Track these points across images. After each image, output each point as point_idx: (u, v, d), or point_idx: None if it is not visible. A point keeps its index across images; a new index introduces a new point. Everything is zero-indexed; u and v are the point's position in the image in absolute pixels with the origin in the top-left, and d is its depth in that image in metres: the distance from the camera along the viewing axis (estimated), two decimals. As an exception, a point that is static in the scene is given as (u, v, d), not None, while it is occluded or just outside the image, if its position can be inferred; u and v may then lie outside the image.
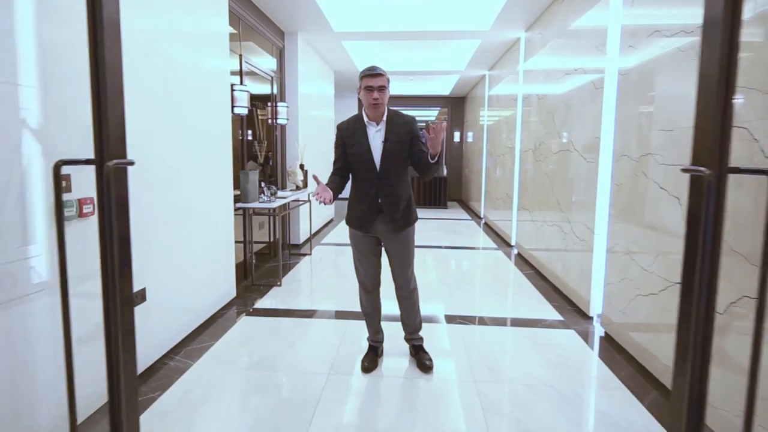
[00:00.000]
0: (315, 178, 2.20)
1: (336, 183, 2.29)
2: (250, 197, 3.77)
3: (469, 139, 10.51)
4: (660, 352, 2.39)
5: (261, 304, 3.57)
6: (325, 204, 2.09)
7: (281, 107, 5.06)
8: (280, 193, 4.40)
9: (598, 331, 3.13)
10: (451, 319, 3.28)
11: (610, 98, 3.10)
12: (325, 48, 6.41)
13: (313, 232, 6.43)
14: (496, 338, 3.00)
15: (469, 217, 8.73)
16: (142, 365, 2.40)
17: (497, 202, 6.95)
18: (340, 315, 3.34)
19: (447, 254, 5.54)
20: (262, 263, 4.78)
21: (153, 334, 2.51)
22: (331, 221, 7.87)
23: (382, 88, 2.20)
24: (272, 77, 5.07)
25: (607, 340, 2.96)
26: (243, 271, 4.23)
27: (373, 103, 2.20)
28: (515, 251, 5.65)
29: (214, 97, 3.18)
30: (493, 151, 7.48)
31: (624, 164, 2.81)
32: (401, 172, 2.33)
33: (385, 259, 2.49)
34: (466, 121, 11.08)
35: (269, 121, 5.08)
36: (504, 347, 2.87)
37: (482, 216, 8.38)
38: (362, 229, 2.35)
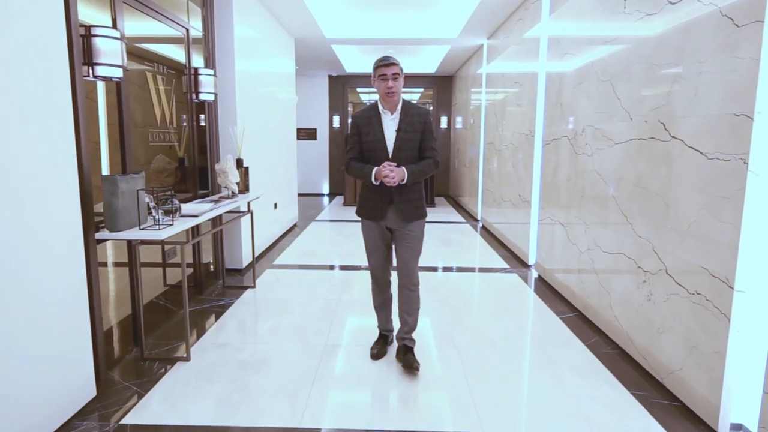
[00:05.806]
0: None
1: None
2: (122, 221, 2.18)
3: (458, 125, 9.02)
4: None
5: (137, 412, 2.00)
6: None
7: (205, 76, 3.44)
8: (189, 208, 2.79)
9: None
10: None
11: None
12: (277, 3, 4.77)
13: (261, 251, 4.85)
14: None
15: (462, 219, 7.26)
16: None
17: (503, 203, 5.49)
18: (275, 443, 1.83)
19: (444, 282, 4.04)
20: (178, 306, 3.19)
21: None
22: (293, 227, 6.30)
23: (395, 76, 2.25)
24: (187, 29, 3.42)
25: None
26: (132, 332, 2.65)
27: (388, 91, 2.25)
28: (535, 274, 4.21)
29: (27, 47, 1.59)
30: (494, 139, 6.00)
31: None
32: (412, 163, 2.34)
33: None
34: (454, 104, 9.56)
35: (188, 96, 3.47)
36: None
37: (479, 218, 6.93)
38: (374, 219, 2.39)
